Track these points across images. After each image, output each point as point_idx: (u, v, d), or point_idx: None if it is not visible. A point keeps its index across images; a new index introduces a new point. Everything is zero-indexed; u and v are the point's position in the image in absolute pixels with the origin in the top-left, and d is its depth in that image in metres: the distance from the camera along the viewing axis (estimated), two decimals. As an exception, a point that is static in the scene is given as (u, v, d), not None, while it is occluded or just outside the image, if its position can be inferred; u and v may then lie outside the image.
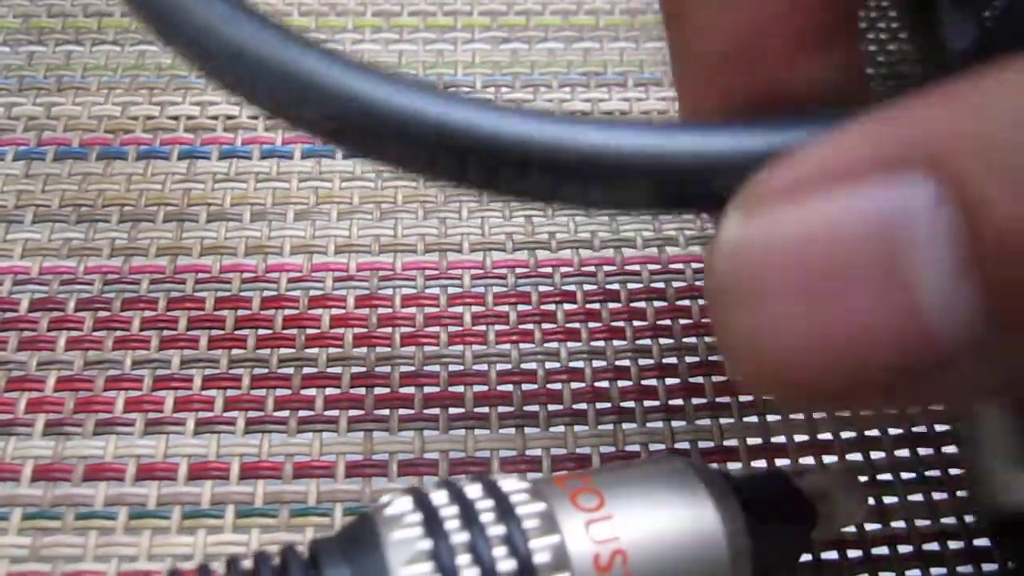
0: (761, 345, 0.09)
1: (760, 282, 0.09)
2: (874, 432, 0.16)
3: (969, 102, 0.09)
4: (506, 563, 0.11)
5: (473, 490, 0.12)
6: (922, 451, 0.16)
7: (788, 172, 0.09)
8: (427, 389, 0.16)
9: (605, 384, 0.17)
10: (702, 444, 0.16)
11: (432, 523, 0.11)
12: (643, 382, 0.17)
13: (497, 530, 0.11)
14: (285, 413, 0.16)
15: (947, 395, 0.11)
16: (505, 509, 0.11)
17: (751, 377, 0.10)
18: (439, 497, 0.11)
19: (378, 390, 0.16)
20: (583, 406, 0.16)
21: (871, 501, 0.15)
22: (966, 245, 0.08)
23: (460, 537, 0.11)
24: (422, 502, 0.11)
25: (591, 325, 0.17)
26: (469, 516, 0.11)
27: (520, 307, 0.17)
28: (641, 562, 0.11)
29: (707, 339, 0.17)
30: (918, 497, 0.16)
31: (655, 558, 0.11)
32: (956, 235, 0.08)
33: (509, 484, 0.12)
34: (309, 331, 0.17)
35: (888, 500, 0.15)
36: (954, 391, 0.10)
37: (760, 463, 0.16)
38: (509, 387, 0.17)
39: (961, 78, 0.09)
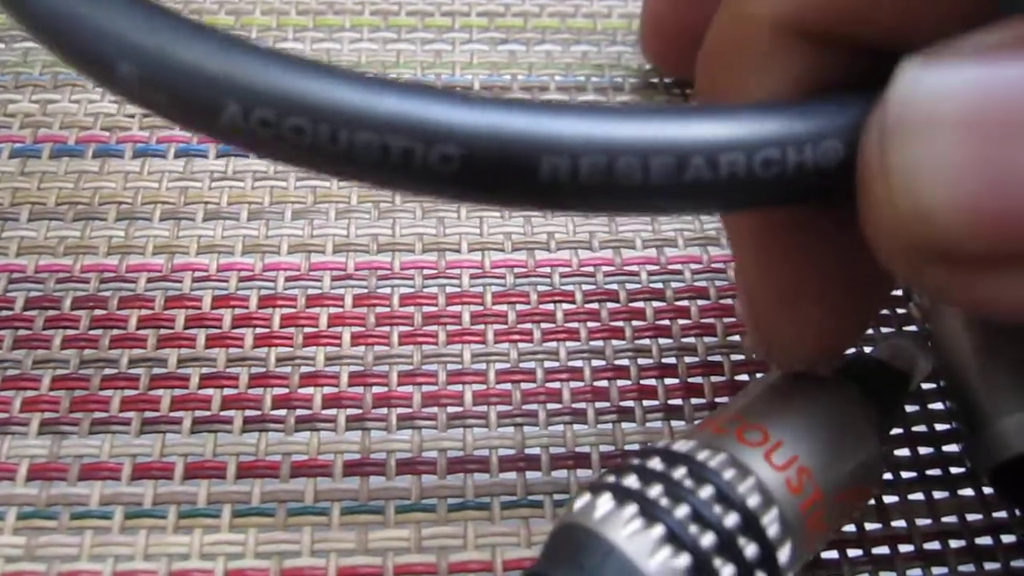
0: (922, 181, 0.09)
1: (936, 115, 0.09)
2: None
3: None
4: (730, 518, 0.11)
5: (656, 463, 0.12)
6: (922, 450, 0.16)
7: (969, 41, 0.10)
8: (425, 388, 0.16)
9: (604, 383, 0.17)
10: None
11: (647, 508, 0.11)
12: (642, 382, 0.17)
13: (706, 492, 0.11)
14: (282, 412, 0.16)
15: None
16: (697, 470, 0.11)
17: (897, 222, 0.10)
18: (632, 481, 0.12)
19: (376, 389, 0.16)
20: (582, 405, 0.16)
21: (871, 502, 0.15)
22: None
23: (681, 511, 0.11)
24: (622, 492, 0.11)
25: (590, 325, 0.17)
26: (673, 490, 0.11)
27: (519, 307, 0.17)
28: (820, 472, 0.12)
29: (706, 340, 0.17)
30: (918, 496, 0.16)
31: (828, 465, 0.12)
32: None
33: (683, 446, 0.12)
34: (306, 330, 0.17)
35: (888, 499, 0.15)
36: None
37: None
38: (508, 386, 0.16)
39: None
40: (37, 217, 0.18)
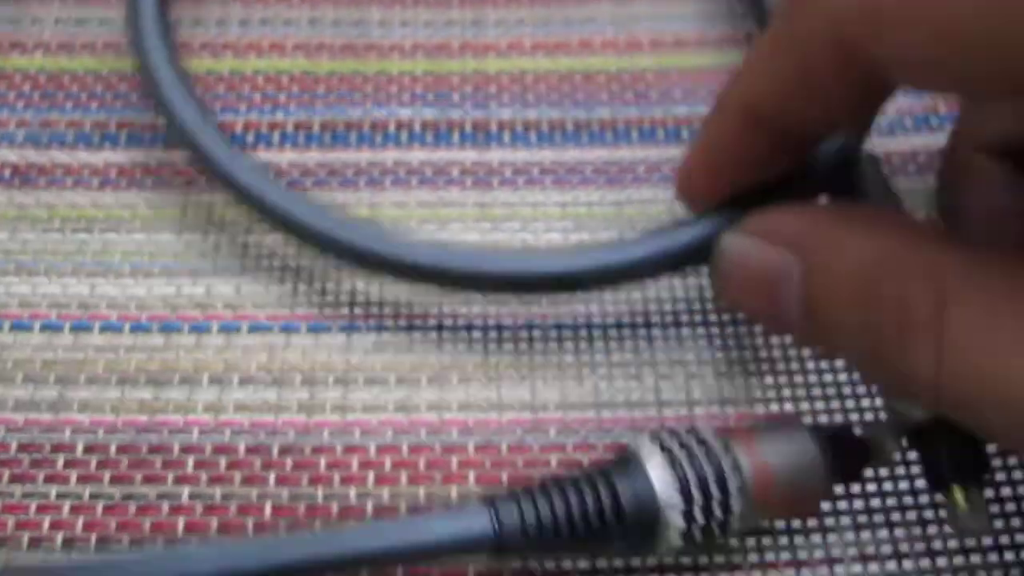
0: (730, 292, 0.21)
1: (721, 262, 0.20)
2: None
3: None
4: (710, 471, 0.19)
5: (687, 438, 0.19)
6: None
7: (756, 221, 0.20)
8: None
9: None
10: None
11: (671, 456, 0.19)
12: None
13: (700, 451, 0.19)
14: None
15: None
16: (703, 443, 0.19)
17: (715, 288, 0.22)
18: (669, 441, 0.19)
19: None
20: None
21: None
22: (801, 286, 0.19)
23: (685, 460, 0.19)
24: (662, 443, 0.19)
25: None
26: (688, 449, 0.19)
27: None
28: (776, 471, 0.19)
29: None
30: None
31: (783, 468, 0.19)
32: (800, 283, 0.18)
33: (705, 430, 0.19)
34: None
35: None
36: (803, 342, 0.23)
37: None
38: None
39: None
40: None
